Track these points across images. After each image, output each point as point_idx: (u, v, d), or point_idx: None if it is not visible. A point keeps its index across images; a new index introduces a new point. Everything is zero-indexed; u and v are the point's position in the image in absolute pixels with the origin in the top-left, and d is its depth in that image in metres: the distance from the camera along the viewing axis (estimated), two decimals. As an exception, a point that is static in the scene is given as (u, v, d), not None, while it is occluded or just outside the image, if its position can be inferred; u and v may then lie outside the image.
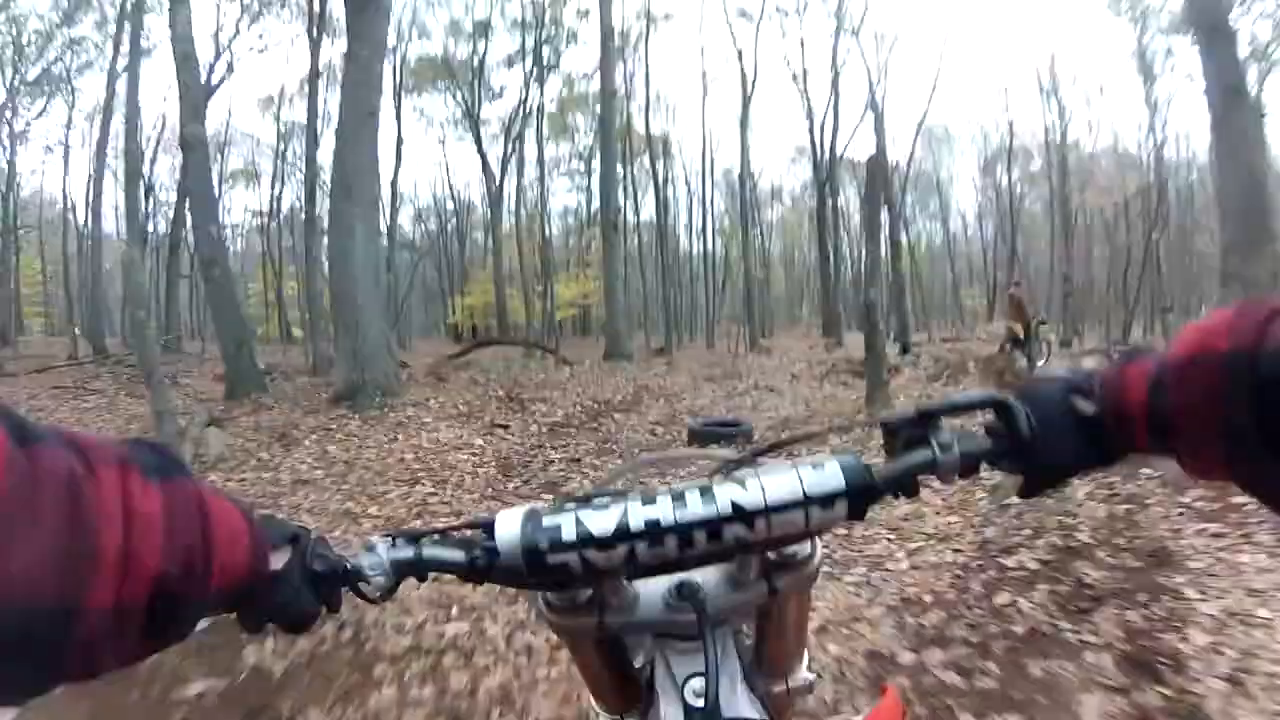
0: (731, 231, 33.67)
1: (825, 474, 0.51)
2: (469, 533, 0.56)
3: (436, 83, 27.23)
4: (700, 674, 0.56)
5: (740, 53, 24.58)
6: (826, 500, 0.50)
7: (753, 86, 24.06)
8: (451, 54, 26.27)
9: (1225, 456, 0.42)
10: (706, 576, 0.59)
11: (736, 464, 0.63)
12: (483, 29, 25.77)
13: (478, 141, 26.03)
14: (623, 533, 0.50)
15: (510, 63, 26.85)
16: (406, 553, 0.55)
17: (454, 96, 27.28)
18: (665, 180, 24.97)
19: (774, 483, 0.51)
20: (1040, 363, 10.69)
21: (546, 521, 0.52)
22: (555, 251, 38.34)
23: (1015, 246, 30.46)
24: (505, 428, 7.23)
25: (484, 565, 0.53)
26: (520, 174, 28.41)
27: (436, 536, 0.57)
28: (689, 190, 32.37)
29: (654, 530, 0.50)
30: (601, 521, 0.51)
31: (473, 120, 26.31)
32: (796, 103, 44.07)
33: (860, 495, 0.51)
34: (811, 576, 0.60)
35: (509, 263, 28.44)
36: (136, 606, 0.39)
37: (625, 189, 28.83)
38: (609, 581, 0.56)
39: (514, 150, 27.29)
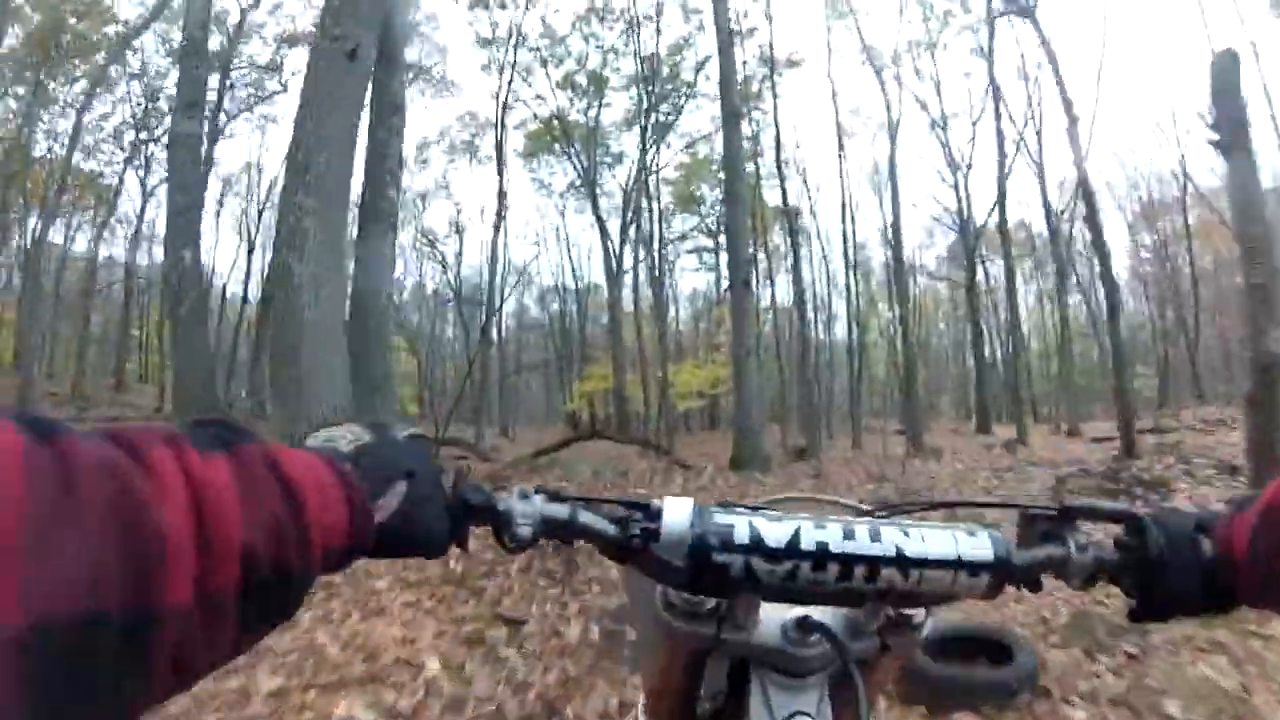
0: (869, 310, 30.18)
1: (979, 541, 0.52)
2: (621, 511, 0.55)
3: (553, 146, 25.39)
4: (802, 713, 0.56)
5: (884, 86, 21.05)
6: (975, 568, 0.51)
7: (896, 128, 20.64)
8: (564, 111, 24.27)
9: None
10: (824, 617, 0.57)
11: (890, 512, 0.63)
12: (598, 84, 23.68)
13: (595, 210, 23.99)
14: (793, 549, 0.50)
15: (629, 123, 24.42)
16: (561, 511, 0.54)
17: (571, 161, 25.22)
18: (798, 254, 21.51)
19: (934, 537, 0.51)
20: None
21: (719, 519, 0.51)
22: (683, 336, 35.91)
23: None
24: (518, 624, 3.45)
25: (639, 546, 0.52)
26: (639, 247, 26.06)
27: (584, 504, 0.56)
28: (826, 263, 29.04)
29: (822, 554, 0.50)
30: (776, 532, 0.51)
31: (590, 186, 24.26)
32: (927, 161, 40.15)
33: (1003, 572, 0.51)
34: (918, 644, 0.60)
35: (631, 346, 26.09)
36: (227, 591, 0.35)
37: (755, 265, 26.35)
38: (746, 596, 0.55)
39: (633, 219, 24.87)
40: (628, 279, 26.23)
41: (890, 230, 19.74)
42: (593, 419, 27.62)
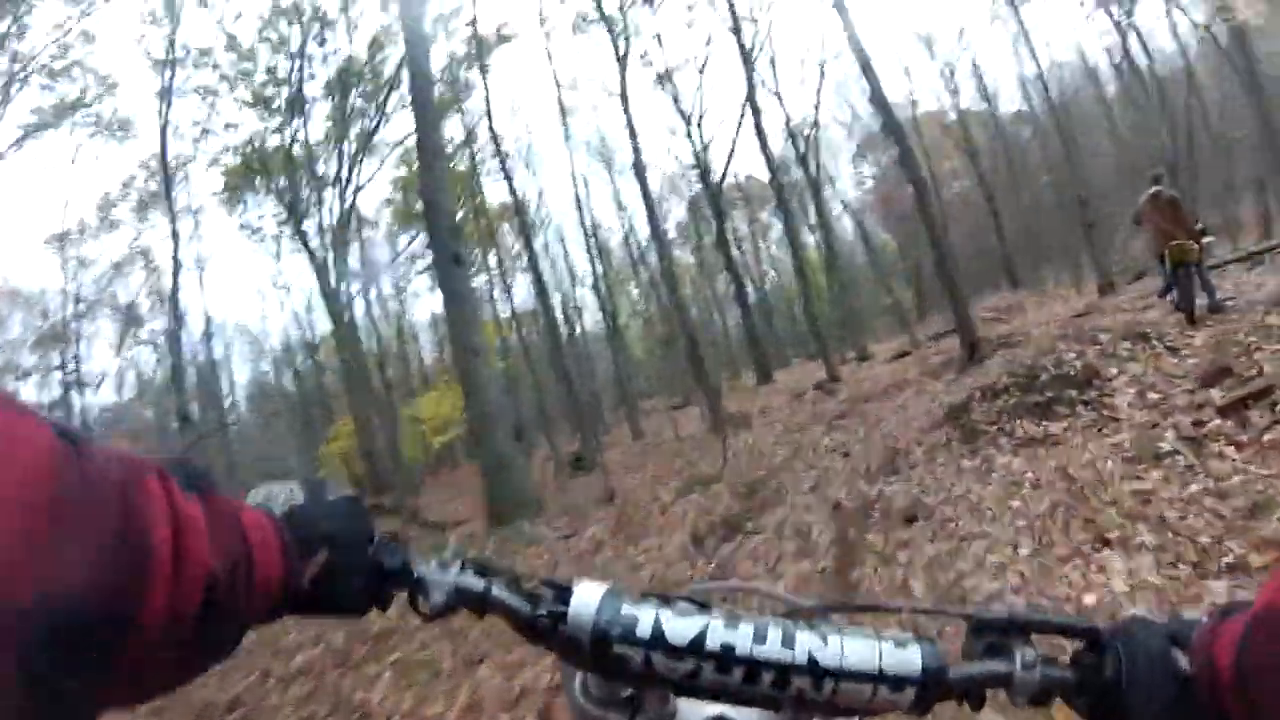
0: (618, 290, 29.20)
1: (905, 654, 0.48)
2: (539, 587, 0.54)
3: (254, 180, 20.75)
4: None
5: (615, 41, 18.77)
6: (898, 682, 0.47)
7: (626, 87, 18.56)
8: (261, 134, 19.82)
9: None
10: (746, 717, 0.57)
11: (812, 613, 0.60)
12: (294, 99, 19.34)
13: (304, 242, 19.83)
14: (697, 648, 0.48)
15: (329, 138, 20.35)
16: (476, 584, 0.53)
17: (274, 194, 20.69)
18: (532, 245, 19.56)
19: (853, 646, 0.48)
20: (1228, 301, 6.92)
21: (625, 610, 0.50)
22: (430, 369, 32.56)
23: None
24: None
25: (546, 627, 0.51)
26: (358, 278, 22.77)
27: (504, 581, 0.55)
28: (565, 249, 27.48)
29: (727, 656, 0.48)
30: (680, 628, 0.49)
31: (296, 216, 19.96)
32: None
33: (932, 688, 0.48)
34: None
35: (377, 390, 22.70)
36: (189, 613, 0.38)
37: (488, 272, 24.14)
38: (657, 690, 0.55)
39: (345, 246, 21.41)
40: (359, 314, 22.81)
41: (643, 198, 17.83)
42: (358, 480, 24.01)
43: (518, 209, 19.60)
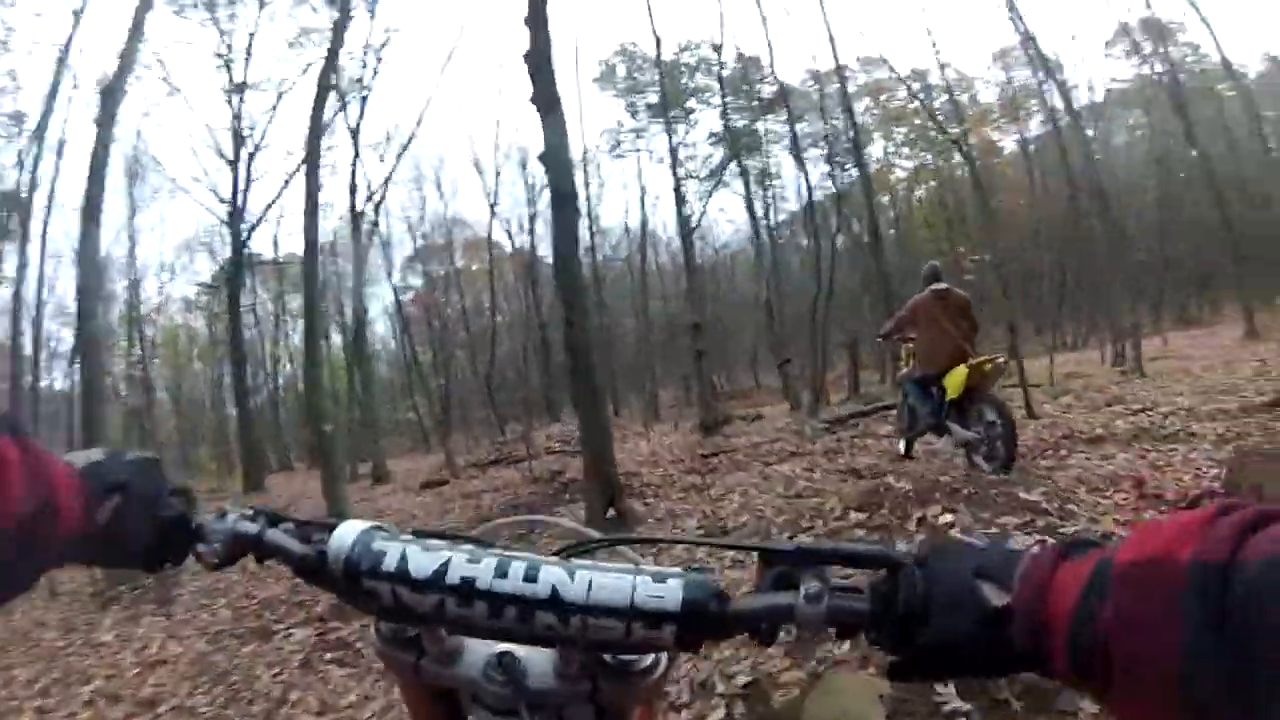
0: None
1: (662, 588, 0.47)
2: (315, 530, 0.54)
3: None
4: None
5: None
6: (653, 619, 0.46)
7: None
8: None
9: (1169, 701, 0.32)
10: (534, 656, 0.55)
11: (593, 546, 0.58)
12: None
13: None
14: (438, 580, 0.48)
15: None
16: (251, 529, 0.54)
17: None
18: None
19: (604, 581, 0.47)
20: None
21: (376, 545, 0.50)
22: None
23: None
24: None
25: (315, 566, 0.51)
26: None
27: (292, 525, 0.55)
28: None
29: (467, 589, 0.47)
30: (422, 562, 0.48)
31: None
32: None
33: (695, 625, 0.46)
34: (650, 692, 0.56)
35: None
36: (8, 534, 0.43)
37: None
38: (428, 628, 0.54)
39: None
40: None
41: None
42: None
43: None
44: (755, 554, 0.50)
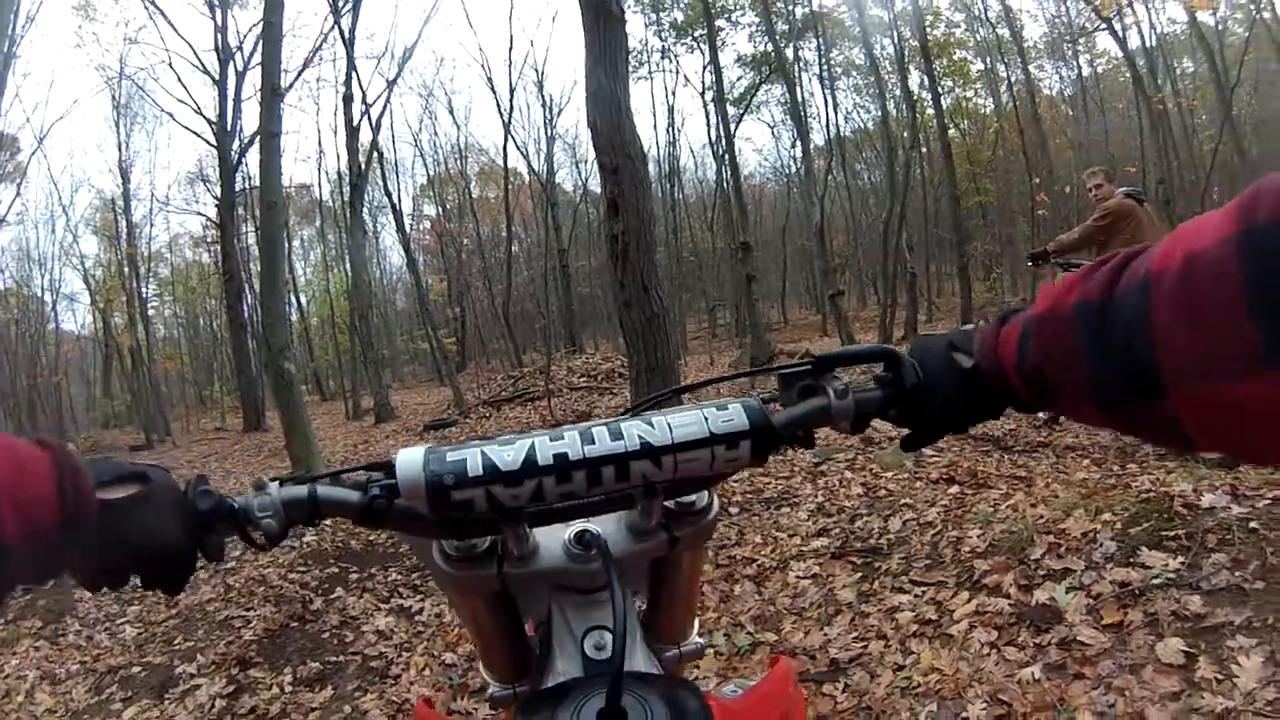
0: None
1: (729, 414, 0.51)
2: (364, 476, 0.53)
3: None
4: (600, 626, 0.57)
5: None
6: (731, 440, 0.50)
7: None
8: None
9: (1093, 403, 0.42)
10: (606, 526, 0.58)
11: (643, 405, 0.62)
12: None
13: None
14: (530, 467, 0.48)
15: None
16: (299, 492, 0.52)
17: None
18: None
19: (680, 421, 0.50)
20: None
21: (451, 457, 0.49)
22: None
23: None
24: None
25: (382, 507, 0.51)
26: None
27: (328, 480, 0.54)
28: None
29: (562, 465, 0.48)
30: (508, 456, 0.48)
31: None
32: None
33: (762, 437, 0.50)
34: (709, 529, 0.60)
35: None
36: None
37: None
38: (511, 528, 0.54)
39: None
40: None
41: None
42: None
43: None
44: (775, 376, 0.58)
